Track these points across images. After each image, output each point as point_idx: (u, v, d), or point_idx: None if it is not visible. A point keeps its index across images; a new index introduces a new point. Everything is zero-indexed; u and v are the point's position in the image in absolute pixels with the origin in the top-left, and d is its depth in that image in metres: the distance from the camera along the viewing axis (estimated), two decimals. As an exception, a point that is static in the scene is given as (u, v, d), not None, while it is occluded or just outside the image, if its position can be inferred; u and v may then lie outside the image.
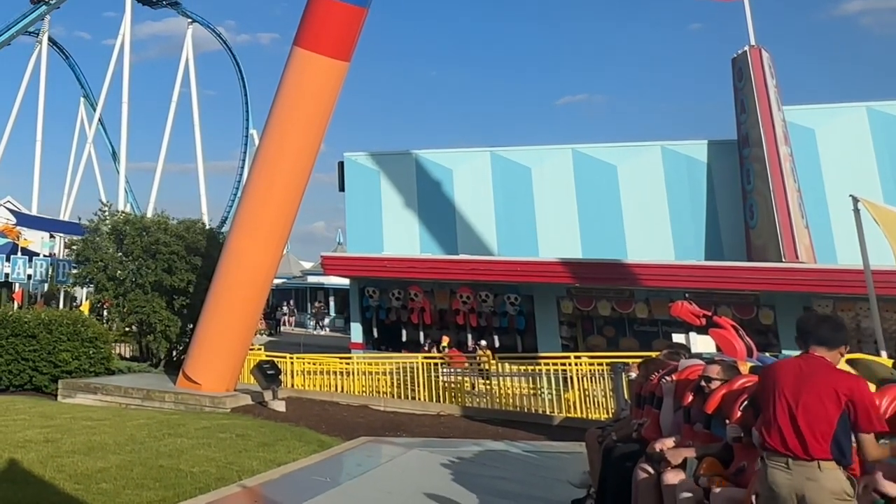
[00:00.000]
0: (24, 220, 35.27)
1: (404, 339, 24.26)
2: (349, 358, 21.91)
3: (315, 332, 47.09)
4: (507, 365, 19.69)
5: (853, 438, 4.50)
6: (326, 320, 53.67)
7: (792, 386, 4.62)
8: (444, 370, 19.75)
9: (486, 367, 20.02)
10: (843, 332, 4.99)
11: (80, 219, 27.10)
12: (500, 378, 18.97)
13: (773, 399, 4.70)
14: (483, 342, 22.99)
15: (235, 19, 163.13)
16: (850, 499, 4.40)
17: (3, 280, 29.93)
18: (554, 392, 17.56)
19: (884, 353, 10.23)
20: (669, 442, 6.26)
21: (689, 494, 5.68)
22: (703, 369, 6.45)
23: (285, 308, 55.49)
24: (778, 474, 4.56)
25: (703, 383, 6.26)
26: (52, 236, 36.82)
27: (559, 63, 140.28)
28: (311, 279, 55.04)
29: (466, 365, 20.27)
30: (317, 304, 55.40)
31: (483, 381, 19.48)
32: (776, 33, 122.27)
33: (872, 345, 14.19)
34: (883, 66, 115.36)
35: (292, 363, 20.74)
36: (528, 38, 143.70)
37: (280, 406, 15.33)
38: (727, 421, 5.87)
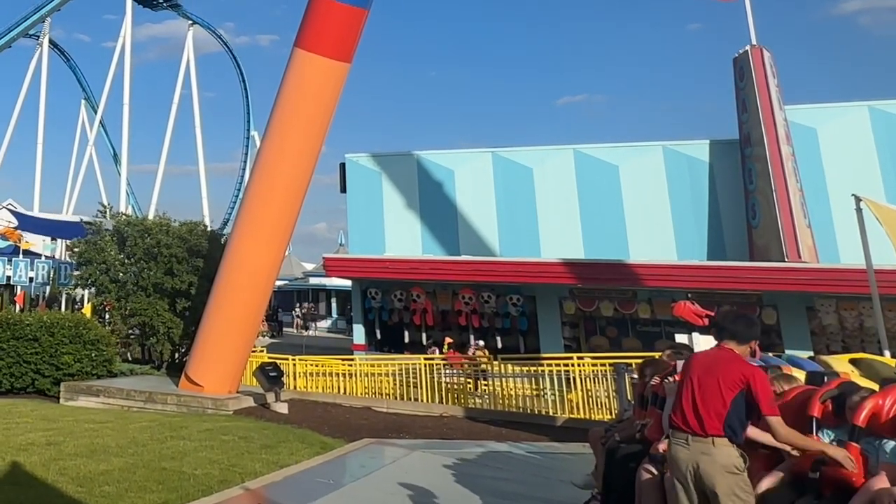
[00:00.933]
0: (26, 221, 35.20)
1: (407, 340, 24.26)
2: (351, 359, 21.91)
3: (307, 334, 46.70)
4: (509, 366, 19.66)
5: (744, 420, 5.07)
6: (326, 322, 53.44)
7: (700, 373, 5.20)
8: (447, 371, 19.75)
9: (483, 367, 20.03)
10: (755, 328, 5.53)
11: (81, 220, 27.04)
12: (500, 378, 18.97)
13: (683, 384, 5.32)
14: (480, 342, 22.98)
15: (234, 21, 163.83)
16: (739, 472, 4.90)
17: (4, 282, 29.92)
18: (557, 393, 17.55)
19: (887, 353, 10.25)
20: None
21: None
22: None
23: (298, 311, 55.08)
24: (679, 449, 5.15)
25: None
26: (53, 239, 36.81)
27: (558, 63, 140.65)
28: (313, 280, 55.06)
29: (464, 366, 20.25)
30: (306, 306, 55.04)
31: (483, 382, 19.47)
32: (775, 32, 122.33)
33: (875, 344, 14.19)
34: (882, 64, 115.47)
35: (294, 365, 20.75)
36: (527, 38, 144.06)
37: (282, 408, 15.31)
38: None
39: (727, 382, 5.02)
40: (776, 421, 4.95)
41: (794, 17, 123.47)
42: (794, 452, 5.19)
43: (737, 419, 5.01)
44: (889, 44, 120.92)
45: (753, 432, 5.25)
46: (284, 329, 49.89)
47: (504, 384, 18.87)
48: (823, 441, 5.14)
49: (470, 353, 21.81)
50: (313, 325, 52.30)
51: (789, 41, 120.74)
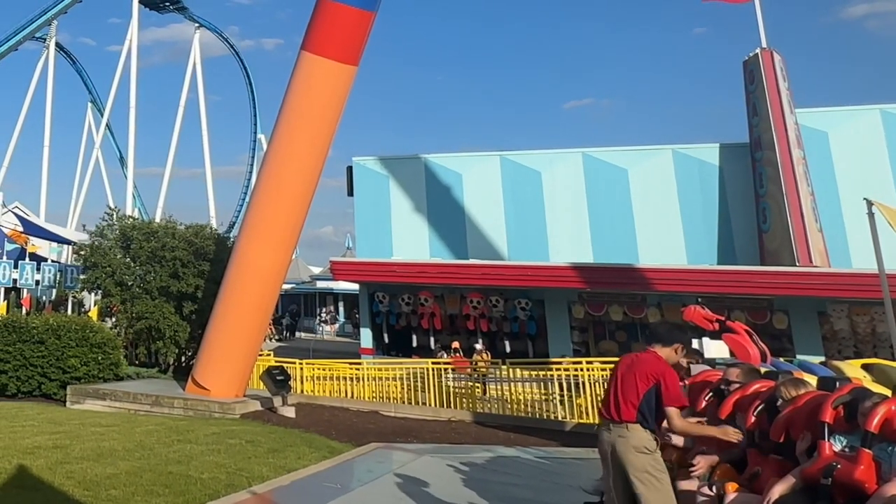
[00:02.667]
0: (31, 228, 35.19)
1: (415, 344, 24.22)
2: (359, 363, 21.87)
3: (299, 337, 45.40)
4: (518, 370, 19.58)
5: (654, 410, 5.79)
6: (335, 326, 52.86)
7: (624, 370, 6.03)
8: (454, 375, 19.70)
9: (483, 371, 19.97)
10: (678, 333, 6.52)
11: (84, 226, 27.02)
12: (501, 382, 18.92)
13: (612, 380, 6.15)
14: (477, 345, 22.90)
15: (239, 25, 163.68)
16: (649, 452, 5.69)
17: (11, 285, 29.93)
18: (566, 397, 17.48)
19: (900, 358, 10.15)
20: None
21: (705, 500, 5.67)
22: (724, 373, 6.48)
23: (324, 314, 54.51)
24: (603, 433, 6.00)
25: (723, 387, 6.30)
26: (59, 243, 36.86)
27: (564, 67, 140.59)
28: (321, 284, 54.96)
29: (469, 370, 20.20)
30: (293, 308, 54.32)
31: (483, 386, 19.40)
32: (784, 36, 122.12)
33: (888, 350, 14.10)
34: (893, 67, 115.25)
35: (301, 369, 20.71)
36: (532, 42, 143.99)
37: (290, 412, 15.28)
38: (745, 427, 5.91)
39: (642, 377, 5.82)
40: (672, 411, 5.76)
41: (803, 20, 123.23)
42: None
43: (647, 408, 5.76)
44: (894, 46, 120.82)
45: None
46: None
47: (512, 388, 18.80)
48: (835, 447, 5.08)
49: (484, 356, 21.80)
50: (324, 327, 51.67)
51: (799, 45, 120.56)
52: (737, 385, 6.22)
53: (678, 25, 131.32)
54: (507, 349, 22.81)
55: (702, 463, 5.99)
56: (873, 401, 5.09)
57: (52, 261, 33.33)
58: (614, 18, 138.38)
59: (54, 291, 31.05)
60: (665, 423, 5.95)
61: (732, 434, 5.89)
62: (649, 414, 5.79)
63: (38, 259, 32.16)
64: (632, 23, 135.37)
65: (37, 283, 29.45)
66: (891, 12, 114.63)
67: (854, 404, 5.21)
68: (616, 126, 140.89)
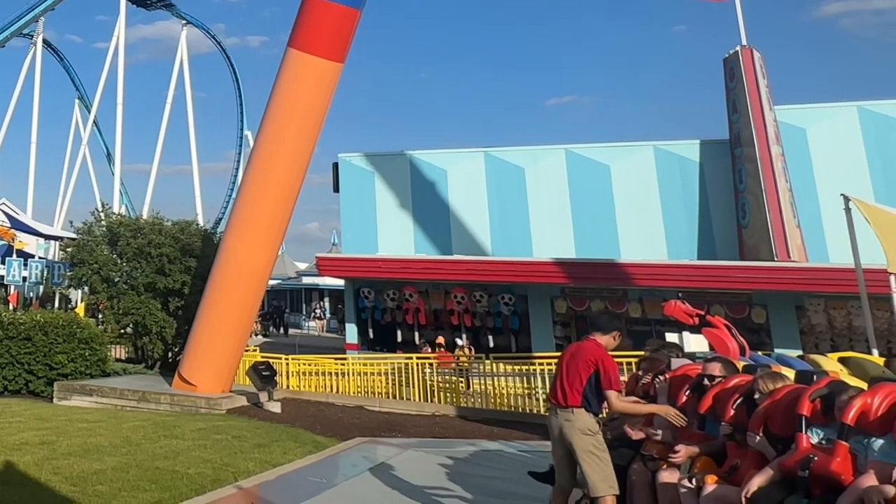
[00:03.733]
0: (18, 225, 35.02)
1: (399, 339, 24.28)
2: (344, 359, 21.92)
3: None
4: (501, 365, 19.67)
5: (597, 394, 6.32)
6: (324, 322, 52.74)
7: (568, 358, 6.55)
8: (438, 370, 19.77)
9: (465, 366, 20.05)
10: (616, 321, 7.45)
11: (71, 223, 26.99)
12: (484, 377, 19.00)
13: (558, 367, 6.68)
14: (458, 341, 22.96)
15: (224, 22, 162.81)
16: (592, 434, 6.26)
17: (-2, 282, 29.87)
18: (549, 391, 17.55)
19: (875, 352, 10.30)
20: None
21: (686, 492, 5.74)
22: (703, 368, 6.56)
23: (318, 310, 54.27)
24: (552, 418, 6.56)
25: (706, 382, 6.37)
26: (46, 239, 36.73)
27: (546, 64, 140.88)
28: (306, 280, 54.89)
29: (453, 366, 20.28)
30: (283, 305, 54.09)
31: (467, 381, 19.47)
32: (763, 34, 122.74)
33: (864, 343, 14.26)
34: (868, 65, 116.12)
35: (287, 364, 20.74)
36: (515, 39, 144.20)
37: (275, 407, 15.34)
38: (722, 421, 5.97)
39: (584, 364, 6.34)
40: (612, 394, 6.30)
41: (780, 19, 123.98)
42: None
43: (591, 393, 6.31)
44: (872, 45, 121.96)
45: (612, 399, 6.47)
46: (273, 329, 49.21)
47: (495, 383, 18.88)
48: (812, 440, 5.18)
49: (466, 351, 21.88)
50: (315, 323, 51.31)
51: (777, 43, 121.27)
52: (719, 379, 6.31)
53: (659, 23, 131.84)
54: (491, 344, 22.90)
55: (682, 451, 6.03)
56: (850, 394, 5.17)
57: (40, 257, 33.21)
58: (596, 16, 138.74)
59: (41, 288, 30.96)
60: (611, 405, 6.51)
61: (674, 416, 6.29)
62: (593, 398, 6.34)
63: (25, 256, 32.06)
64: (613, 21, 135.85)
65: (24, 279, 29.37)
66: (862, 10, 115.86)
67: (831, 397, 5.29)
68: (598, 123, 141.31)
